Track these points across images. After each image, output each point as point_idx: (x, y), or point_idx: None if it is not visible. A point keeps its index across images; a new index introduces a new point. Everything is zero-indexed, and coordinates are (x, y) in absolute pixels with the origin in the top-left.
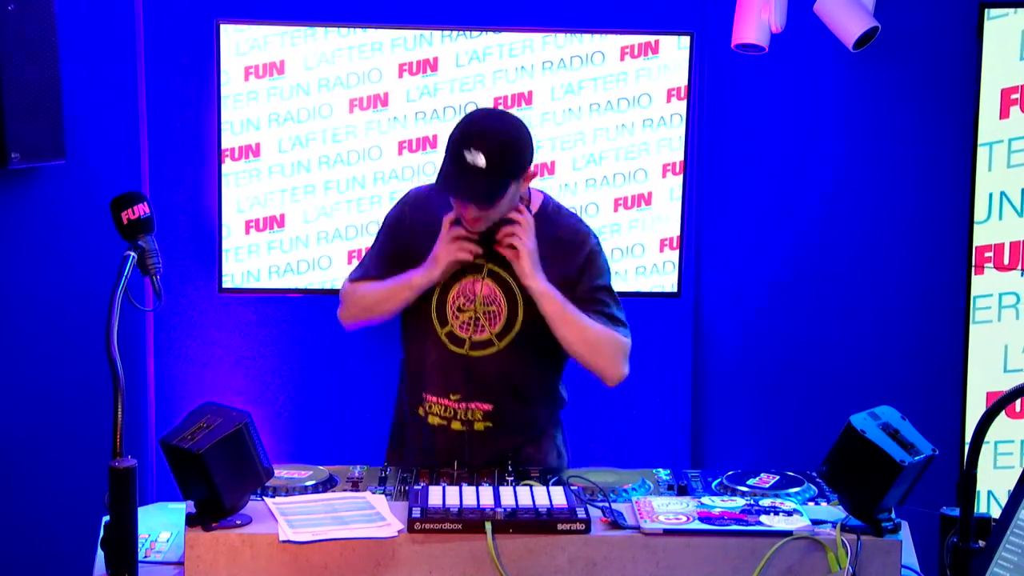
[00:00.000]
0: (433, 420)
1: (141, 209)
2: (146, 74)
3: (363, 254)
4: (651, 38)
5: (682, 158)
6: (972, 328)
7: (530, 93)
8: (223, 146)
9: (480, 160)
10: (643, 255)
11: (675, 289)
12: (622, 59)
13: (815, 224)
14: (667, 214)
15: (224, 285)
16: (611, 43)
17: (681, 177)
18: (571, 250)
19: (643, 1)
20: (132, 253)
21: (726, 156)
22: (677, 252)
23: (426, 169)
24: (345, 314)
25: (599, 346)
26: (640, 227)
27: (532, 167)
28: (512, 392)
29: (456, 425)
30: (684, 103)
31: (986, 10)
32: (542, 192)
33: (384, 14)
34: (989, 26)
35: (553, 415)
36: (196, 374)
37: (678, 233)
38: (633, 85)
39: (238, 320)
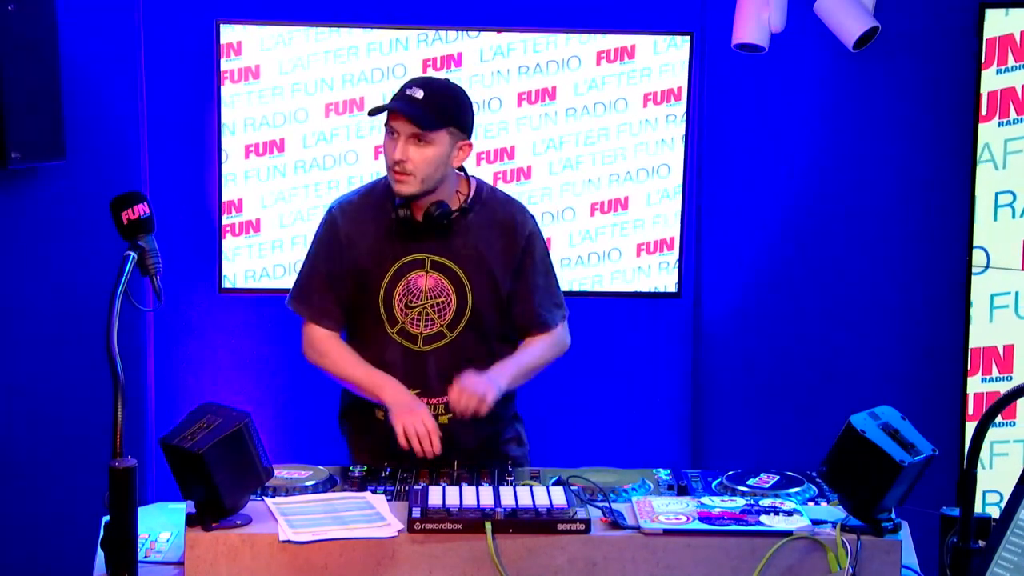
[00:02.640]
0: None
1: (141, 209)
2: (146, 74)
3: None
4: (629, 40)
5: (682, 158)
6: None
7: (554, 90)
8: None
9: (419, 93)
10: (642, 255)
11: (675, 289)
12: (628, 59)
13: (815, 224)
14: (667, 214)
15: (224, 285)
16: (609, 43)
17: (681, 177)
18: (511, 232)
19: (643, 1)
20: (132, 253)
21: (726, 156)
22: (677, 252)
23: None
24: (309, 357)
25: (552, 356)
26: (640, 226)
27: (469, 139)
28: None
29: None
30: (684, 103)
31: (986, 10)
32: (475, 177)
33: (382, 14)
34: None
35: (511, 402)
36: (196, 374)
37: (678, 233)
38: (632, 86)
39: (238, 320)
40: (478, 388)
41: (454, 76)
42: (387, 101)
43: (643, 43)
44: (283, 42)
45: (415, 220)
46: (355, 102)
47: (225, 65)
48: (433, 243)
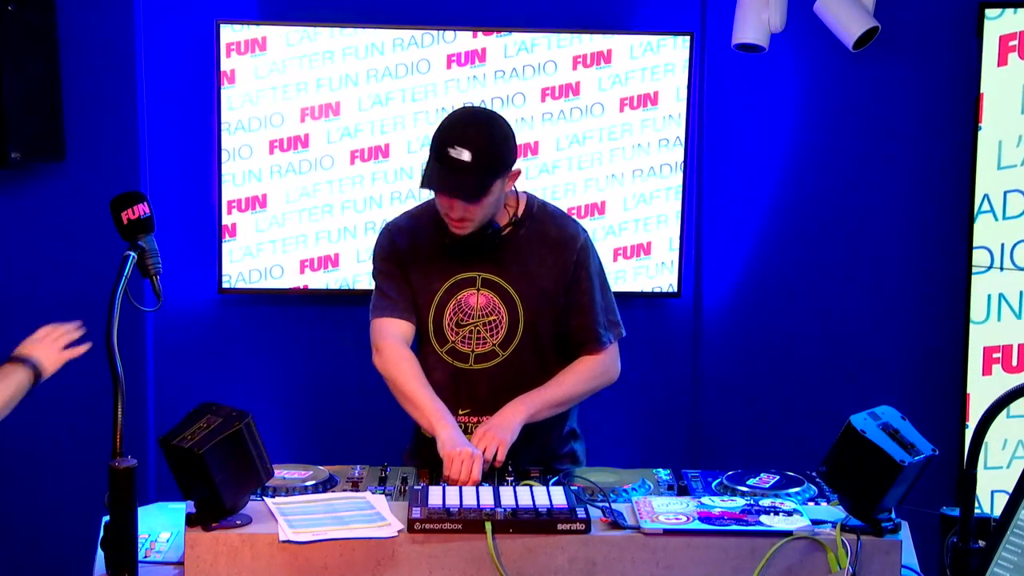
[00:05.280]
0: None
1: (141, 209)
2: (146, 74)
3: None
4: (605, 43)
5: (682, 158)
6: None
7: (569, 88)
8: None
9: (465, 156)
10: (643, 255)
11: (675, 289)
12: (604, 64)
13: (815, 224)
14: (667, 214)
15: (223, 285)
16: (612, 43)
17: (681, 177)
18: (562, 248)
19: (643, 1)
20: (132, 253)
21: (726, 156)
22: (677, 252)
23: (377, 177)
24: (376, 362)
25: (593, 387)
26: (640, 227)
27: (515, 167)
28: None
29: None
30: (684, 103)
31: (986, 10)
32: (525, 192)
33: (376, 14)
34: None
35: (564, 422)
36: (196, 374)
37: (678, 233)
38: (632, 85)
39: (238, 320)
40: (497, 436)
41: (477, 72)
42: (429, 169)
43: (620, 44)
44: (308, 38)
45: (465, 240)
46: (331, 107)
47: (233, 64)
48: (484, 261)
